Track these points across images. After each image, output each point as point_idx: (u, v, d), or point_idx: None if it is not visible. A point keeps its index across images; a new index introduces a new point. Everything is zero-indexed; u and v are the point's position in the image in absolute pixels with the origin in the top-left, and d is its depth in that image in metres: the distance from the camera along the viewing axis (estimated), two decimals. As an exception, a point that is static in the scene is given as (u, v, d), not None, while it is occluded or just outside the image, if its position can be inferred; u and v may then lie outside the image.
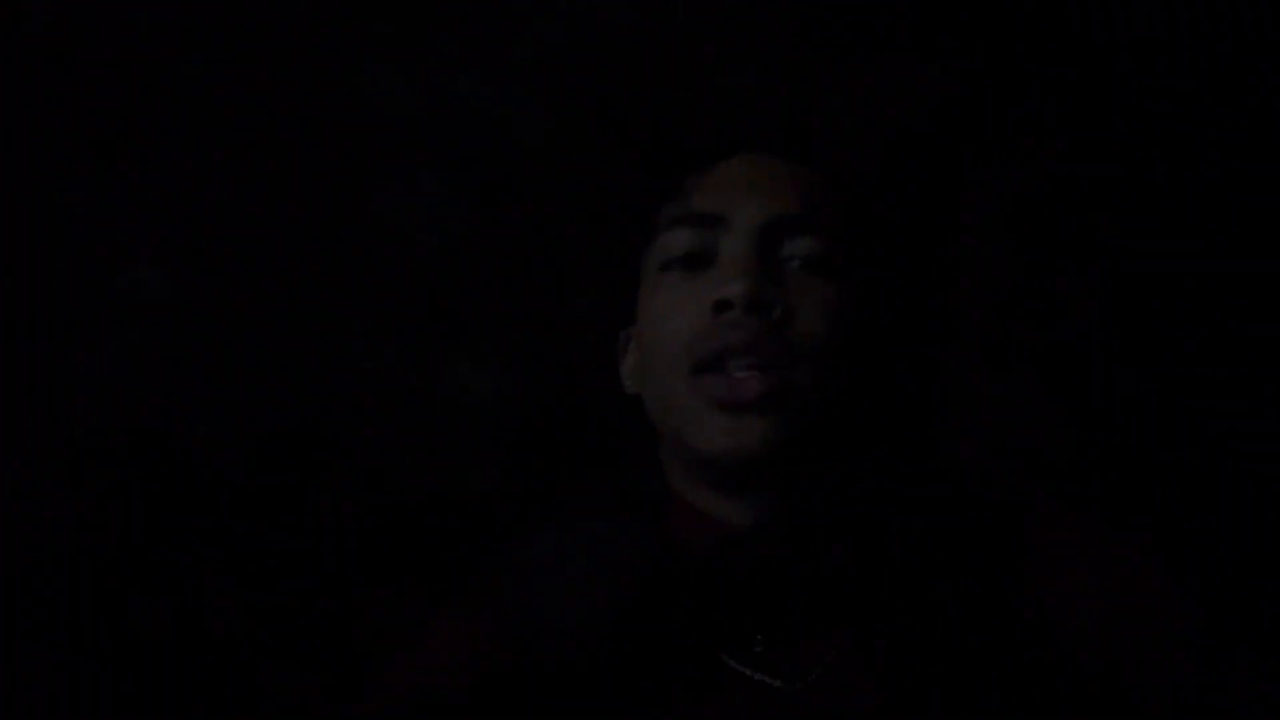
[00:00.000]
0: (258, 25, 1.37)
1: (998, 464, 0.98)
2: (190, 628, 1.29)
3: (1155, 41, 1.15)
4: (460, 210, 1.36)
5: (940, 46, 1.19)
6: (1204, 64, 1.13)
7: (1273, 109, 1.12)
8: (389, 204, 1.35)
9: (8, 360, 1.33)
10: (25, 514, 1.29)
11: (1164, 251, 1.13)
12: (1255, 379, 1.10)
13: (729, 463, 0.83)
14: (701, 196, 0.90)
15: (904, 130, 1.16)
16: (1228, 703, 0.79)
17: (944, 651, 0.80)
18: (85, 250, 1.35)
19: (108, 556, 1.29)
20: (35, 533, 1.29)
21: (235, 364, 1.35)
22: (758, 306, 0.83)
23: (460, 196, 1.36)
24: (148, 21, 1.36)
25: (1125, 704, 0.80)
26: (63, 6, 1.36)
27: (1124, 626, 0.81)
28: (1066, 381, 1.11)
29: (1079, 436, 1.10)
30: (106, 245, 1.36)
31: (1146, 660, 0.80)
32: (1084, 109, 1.16)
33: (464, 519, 1.32)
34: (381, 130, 1.36)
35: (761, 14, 1.27)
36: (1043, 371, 1.11)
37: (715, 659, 0.83)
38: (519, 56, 1.35)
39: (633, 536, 0.88)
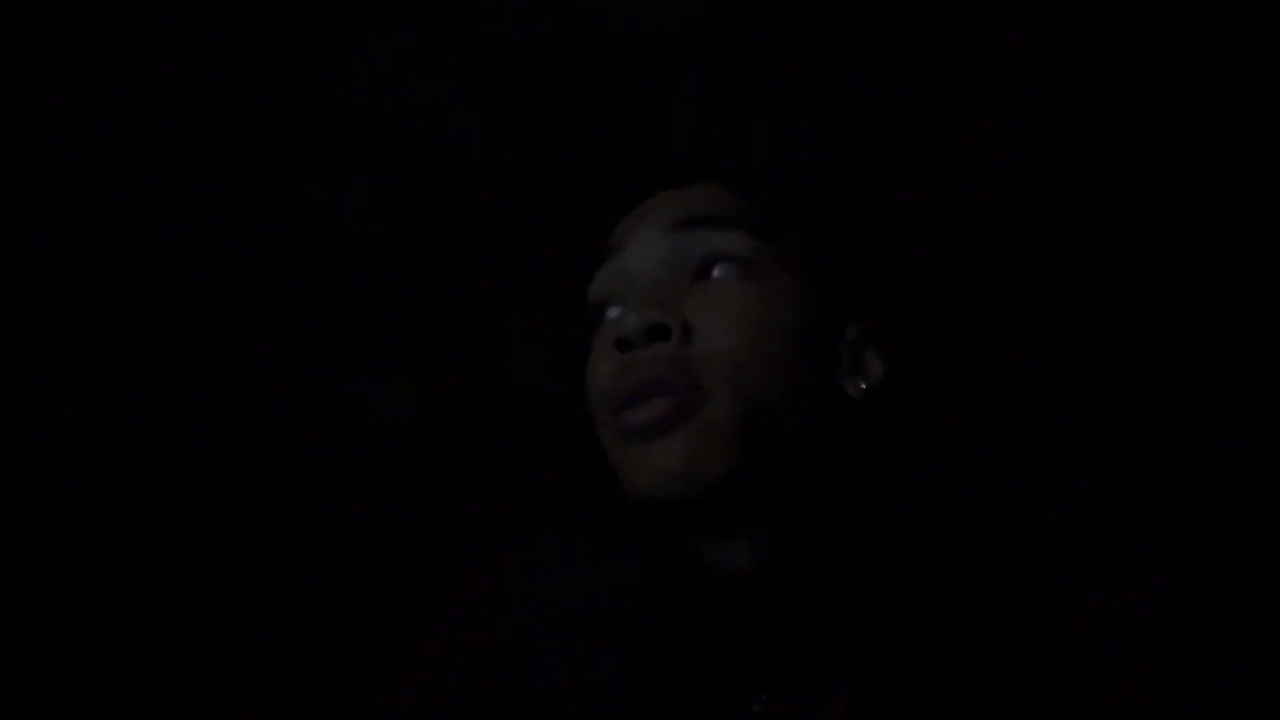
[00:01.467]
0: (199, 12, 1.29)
1: (1005, 489, 0.91)
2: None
3: (1126, 40, 1.09)
4: (390, 212, 1.30)
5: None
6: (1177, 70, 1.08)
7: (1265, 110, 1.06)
8: (318, 199, 1.28)
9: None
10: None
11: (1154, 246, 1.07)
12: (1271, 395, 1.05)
13: (661, 497, 0.76)
14: (611, 236, 0.86)
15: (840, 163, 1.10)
16: None
17: (960, 701, 0.75)
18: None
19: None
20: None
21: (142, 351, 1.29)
22: (652, 334, 0.78)
23: (392, 199, 1.30)
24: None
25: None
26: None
27: (1151, 669, 0.77)
28: (1077, 393, 1.04)
29: (1091, 455, 1.04)
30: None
31: (1176, 704, 0.76)
32: (1053, 101, 1.10)
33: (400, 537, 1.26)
34: (317, 124, 1.28)
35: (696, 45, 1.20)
36: (1053, 383, 1.05)
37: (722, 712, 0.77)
38: (459, 64, 1.28)
39: (623, 573, 0.83)
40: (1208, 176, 1.07)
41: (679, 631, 0.79)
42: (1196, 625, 0.78)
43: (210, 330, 1.29)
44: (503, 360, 1.29)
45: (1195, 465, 1.05)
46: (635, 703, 0.78)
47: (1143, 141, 1.09)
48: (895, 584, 0.78)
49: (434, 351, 1.29)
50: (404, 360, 1.29)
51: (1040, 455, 1.06)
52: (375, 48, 1.29)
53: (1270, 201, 1.07)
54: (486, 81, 1.28)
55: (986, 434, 1.05)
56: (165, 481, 1.27)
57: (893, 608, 0.77)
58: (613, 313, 0.83)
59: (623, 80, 1.25)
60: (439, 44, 1.29)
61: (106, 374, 1.28)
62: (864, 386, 0.82)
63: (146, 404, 1.28)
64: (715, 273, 0.81)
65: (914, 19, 1.13)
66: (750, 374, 0.77)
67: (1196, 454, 1.06)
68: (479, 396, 1.28)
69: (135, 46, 1.30)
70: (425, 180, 1.28)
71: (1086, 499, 1.02)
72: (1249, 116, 1.07)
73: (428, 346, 1.29)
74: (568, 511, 0.95)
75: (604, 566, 0.84)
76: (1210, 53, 1.07)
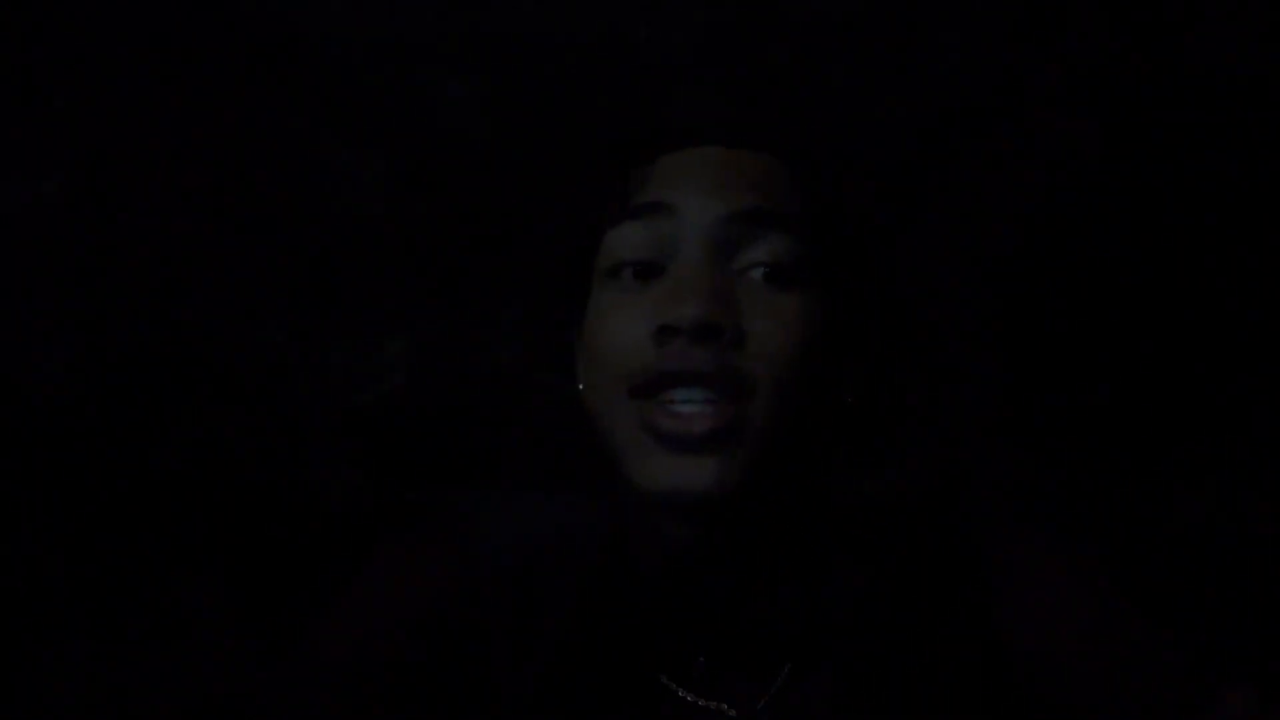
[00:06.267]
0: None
1: (955, 480, 0.92)
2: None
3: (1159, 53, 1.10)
4: (395, 189, 1.30)
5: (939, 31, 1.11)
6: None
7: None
8: (324, 175, 1.28)
9: None
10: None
11: (1149, 270, 1.08)
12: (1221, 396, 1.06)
13: (673, 503, 0.74)
14: (648, 187, 0.80)
15: (890, 121, 1.08)
16: None
17: (896, 684, 0.76)
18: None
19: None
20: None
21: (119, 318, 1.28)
22: (707, 332, 0.74)
23: (398, 176, 1.30)
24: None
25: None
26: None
27: (1085, 651, 0.77)
28: (1037, 397, 1.05)
29: (1045, 455, 1.05)
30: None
31: (1109, 685, 0.76)
32: (1097, 104, 1.10)
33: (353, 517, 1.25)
34: (329, 99, 1.29)
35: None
36: (1013, 382, 1.05)
37: (655, 679, 0.78)
38: (463, 38, 1.29)
39: (585, 530, 0.82)
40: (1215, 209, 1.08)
41: (630, 587, 0.80)
42: (1115, 606, 0.79)
43: (194, 291, 1.29)
44: (491, 348, 1.28)
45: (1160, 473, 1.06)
46: (578, 651, 0.78)
47: (1164, 176, 1.10)
48: (842, 569, 0.79)
49: (423, 332, 1.29)
50: (391, 337, 1.29)
51: (1002, 454, 1.06)
52: (391, 30, 1.30)
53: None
54: (495, 66, 1.28)
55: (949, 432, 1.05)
56: (130, 443, 1.26)
57: (837, 592, 0.78)
58: (654, 286, 0.77)
59: (635, 53, 1.25)
60: (451, 29, 1.30)
61: (81, 330, 1.27)
62: (850, 400, 0.81)
63: (118, 361, 1.27)
64: (769, 275, 0.77)
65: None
66: (795, 390, 0.75)
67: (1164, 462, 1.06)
68: (463, 380, 1.28)
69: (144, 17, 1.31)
70: (432, 159, 1.28)
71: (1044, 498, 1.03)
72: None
73: (417, 326, 1.29)
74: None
75: (562, 519, 0.84)
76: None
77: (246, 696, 0.83)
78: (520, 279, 1.25)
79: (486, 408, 1.27)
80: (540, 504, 0.85)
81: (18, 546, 1.22)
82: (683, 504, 0.73)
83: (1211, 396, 1.07)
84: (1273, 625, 0.98)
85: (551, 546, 0.82)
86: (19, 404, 1.23)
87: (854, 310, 0.82)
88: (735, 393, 0.73)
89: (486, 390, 1.28)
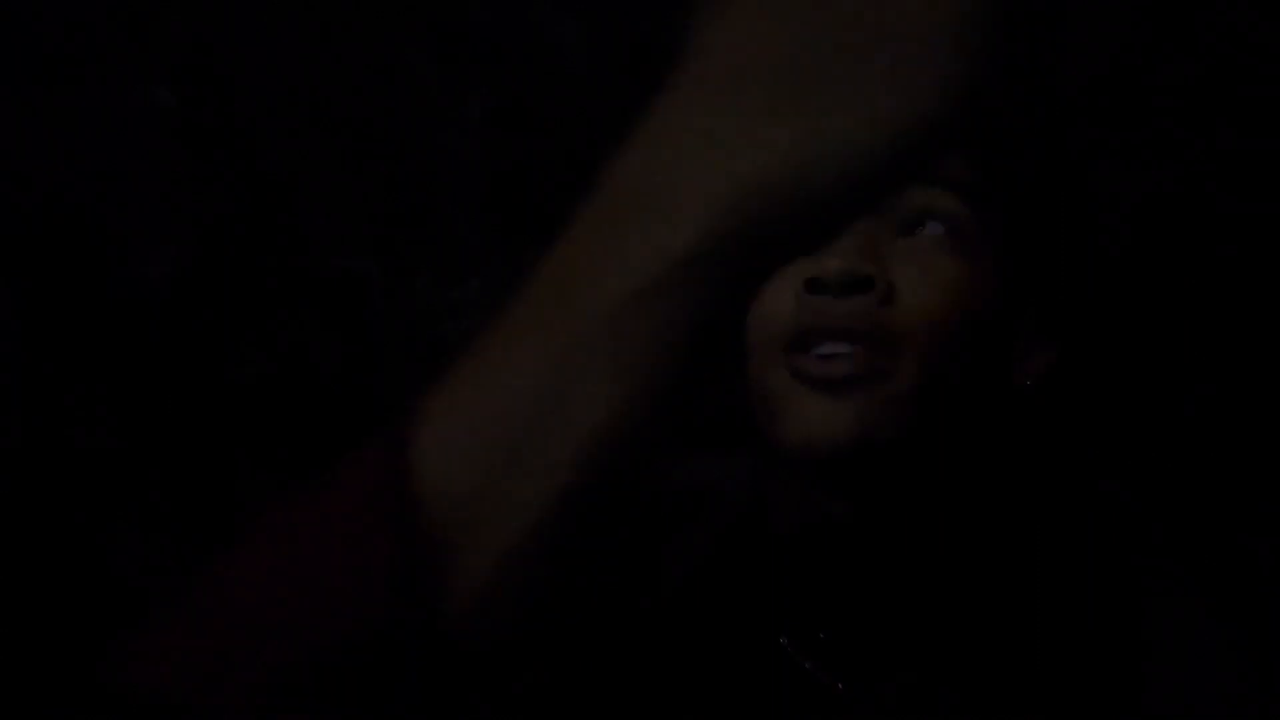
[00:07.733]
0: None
1: (1127, 508, 0.87)
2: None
3: None
4: (492, 130, 1.33)
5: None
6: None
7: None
8: (425, 109, 1.32)
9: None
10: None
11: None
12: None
13: (820, 451, 0.73)
14: None
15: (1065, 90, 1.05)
16: None
17: (1020, 706, 0.74)
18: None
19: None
20: None
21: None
22: (853, 285, 0.73)
23: (496, 115, 1.33)
24: None
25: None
26: None
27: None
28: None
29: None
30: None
31: None
32: None
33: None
34: (436, 34, 1.32)
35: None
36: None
37: (775, 641, 0.78)
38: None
39: (723, 483, 0.83)
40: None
41: (764, 547, 0.80)
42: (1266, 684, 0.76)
43: (290, 209, 1.33)
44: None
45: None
46: (700, 597, 0.79)
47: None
48: (979, 576, 0.77)
49: (502, 274, 1.32)
50: (473, 275, 1.32)
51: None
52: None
53: None
54: (606, 14, 1.31)
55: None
56: (217, 350, 1.30)
57: (967, 599, 0.77)
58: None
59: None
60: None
61: (182, 239, 1.31)
62: (1029, 382, 0.80)
63: (216, 270, 1.31)
64: (925, 231, 0.76)
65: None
66: (944, 350, 0.75)
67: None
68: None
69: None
70: (534, 103, 1.31)
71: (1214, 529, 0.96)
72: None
73: (498, 268, 1.32)
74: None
75: (701, 470, 0.84)
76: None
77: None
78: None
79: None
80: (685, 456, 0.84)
81: (92, 430, 1.26)
82: (829, 450, 0.73)
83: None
84: None
85: (686, 494, 0.82)
86: (121, 305, 1.27)
87: (1035, 292, 0.80)
88: (883, 348, 0.73)
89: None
